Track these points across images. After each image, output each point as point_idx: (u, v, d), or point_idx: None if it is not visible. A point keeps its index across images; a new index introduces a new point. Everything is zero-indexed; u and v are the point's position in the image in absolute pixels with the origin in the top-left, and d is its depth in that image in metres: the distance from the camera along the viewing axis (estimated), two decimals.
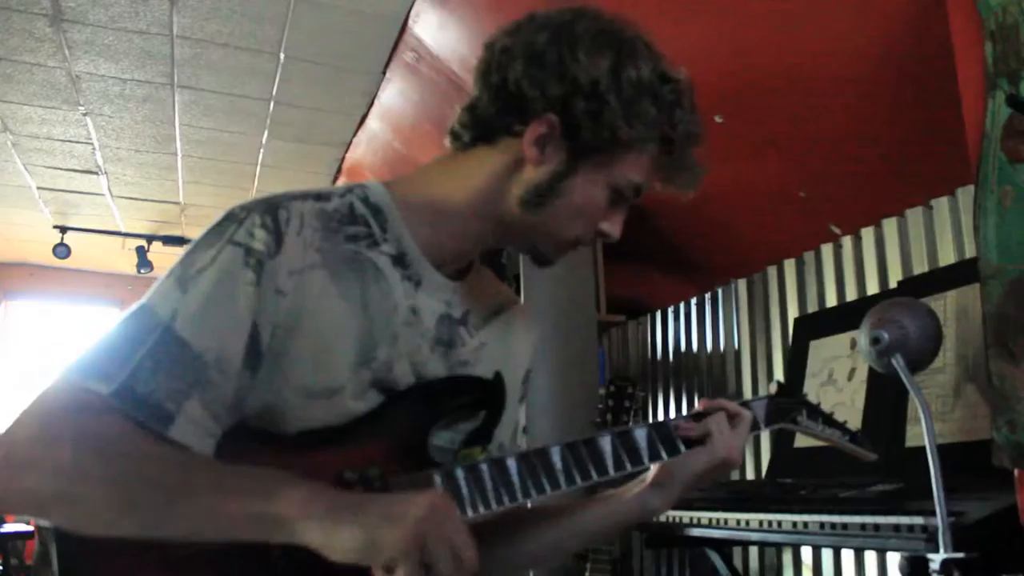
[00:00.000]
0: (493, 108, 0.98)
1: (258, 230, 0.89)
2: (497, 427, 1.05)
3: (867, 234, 2.38)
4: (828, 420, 1.22)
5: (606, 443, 0.99)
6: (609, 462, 0.98)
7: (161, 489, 0.80)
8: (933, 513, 1.17)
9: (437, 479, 0.91)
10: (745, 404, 1.13)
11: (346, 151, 4.15)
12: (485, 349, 1.07)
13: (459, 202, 1.00)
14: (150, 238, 5.21)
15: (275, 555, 0.85)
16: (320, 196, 0.96)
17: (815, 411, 1.21)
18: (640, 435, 1.02)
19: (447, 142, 1.04)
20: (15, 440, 0.80)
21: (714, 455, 1.05)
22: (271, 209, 0.91)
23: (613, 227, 1.02)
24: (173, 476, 0.81)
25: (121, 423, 0.81)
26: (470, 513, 0.90)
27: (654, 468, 1.08)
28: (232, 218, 0.91)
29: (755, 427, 1.15)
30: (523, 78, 0.95)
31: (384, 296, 0.96)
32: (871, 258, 2.35)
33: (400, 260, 0.98)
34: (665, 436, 1.05)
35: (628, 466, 1.00)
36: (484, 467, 0.93)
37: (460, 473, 0.91)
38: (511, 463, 0.93)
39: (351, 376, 0.94)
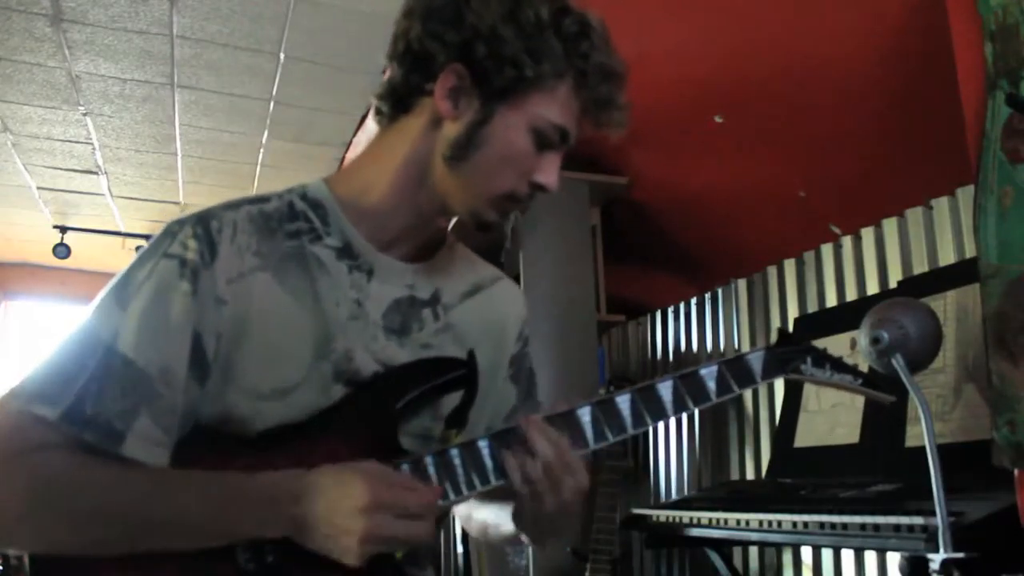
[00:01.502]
0: (402, 72, 0.98)
1: (191, 240, 0.91)
2: (472, 408, 1.01)
3: (867, 234, 2.38)
4: (837, 365, 1.13)
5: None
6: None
7: (120, 520, 0.83)
8: (933, 513, 1.17)
9: (405, 468, 0.91)
10: (739, 358, 1.07)
11: (346, 151, 4.14)
12: (454, 330, 1.06)
13: (387, 180, 1.00)
14: (150, 238, 5.19)
15: (243, 559, 0.86)
16: (257, 200, 0.98)
17: (822, 357, 1.12)
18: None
19: (373, 123, 1.04)
20: None
21: (539, 510, 0.93)
22: (203, 220, 0.93)
23: (547, 176, 0.99)
24: (129, 504, 0.83)
25: (71, 451, 0.82)
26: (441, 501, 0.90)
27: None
28: (167, 233, 0.93)
29: (751, 381, 1.07)
30: (423, 35, 0.95)
31: (332, 288, 0.97)
32: (871, 258, 2.35)
33: (346, 252, 0.98)
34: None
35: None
36: (455, 452, 0.92)
37: (429, 460, 0.92)
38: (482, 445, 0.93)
39: (310, 372, 0.93)
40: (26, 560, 0.85)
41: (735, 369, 1.07)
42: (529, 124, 0.96)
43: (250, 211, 0.96)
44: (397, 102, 1.00)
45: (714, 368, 1.06)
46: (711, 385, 1.05)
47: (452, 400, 1.02)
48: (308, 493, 0.84)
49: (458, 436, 0.98)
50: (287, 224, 0.97)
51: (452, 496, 0.92)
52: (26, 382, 0.84)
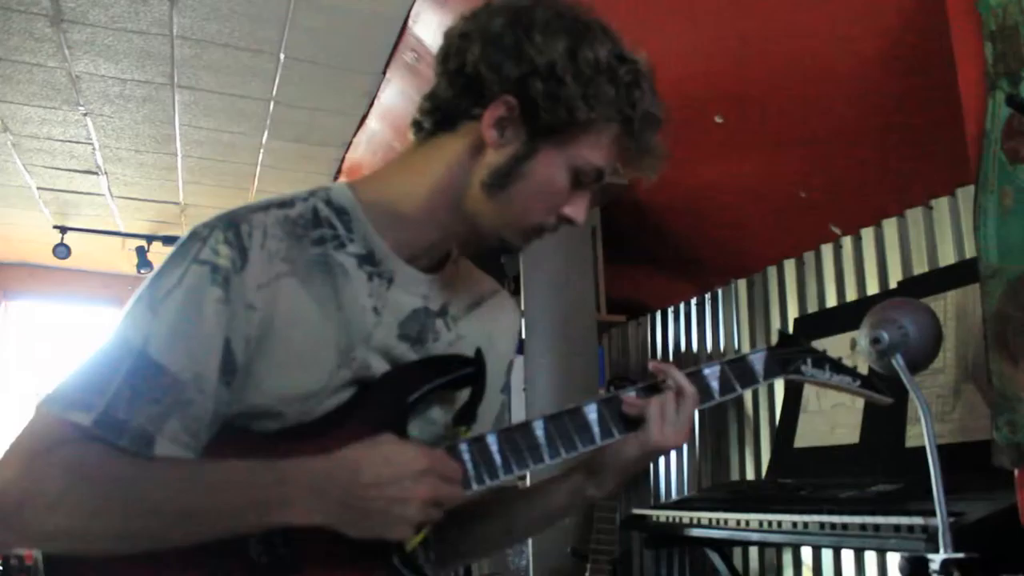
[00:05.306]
0: (451, 92, 0.98)
1: (222, 246, 0.90)
2: (481, 405, 1.04)
3: (867, 234, 2.38)
4: (837, 367, 1.16)
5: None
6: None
7: (156, 510, 0.83)
8: (933, 513, 1.17)
9: None
10: (741, 358, 1.12)
11: (346, 151, 4.15)
12: (464, 341, 1.08)
13: (422, 194, 1.00)
14: (150, 238, 5.21)
15: (256, 551, 0.88)
16: (283, 203, 0.97)
17: (822, 359, 1.16)
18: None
19: (410, 134, 1.04)
20: (3, 482, 0.81)
21: (646, 445, 1.03)
22: (232, 224, 0.92)
23: (576, 211, 1.01)
24: (165, 494, 0.83)
25: (103, 451, 0.82)
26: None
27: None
28: (195, 237, 0.92)
29: (752, 381, 1.12)
30: (480, 61, 0.95)
31: (353, 296, 0.97)
32: (871, 258, 2.35)
33: (368, 259, 0.99)
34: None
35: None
36: (464, 447, 0.95)
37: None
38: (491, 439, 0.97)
39: (331, 379, 0.95)
40: (40, 560, 0.85)
41: (738, 369, 1.11)
42: (570, 163, 0.97)
43: (277, 215, 0.95)
44: (441, 120, 1.00)
45: (717, 368, 1.10)
46: (714, 384, 1.09)
47: (462, 398, 1.04)
48: (346, 470, 0.85)
49: (467, 432, 1.00)
50: (312, 231, 0.97)
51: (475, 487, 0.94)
52: (59, 388, 0.85)
